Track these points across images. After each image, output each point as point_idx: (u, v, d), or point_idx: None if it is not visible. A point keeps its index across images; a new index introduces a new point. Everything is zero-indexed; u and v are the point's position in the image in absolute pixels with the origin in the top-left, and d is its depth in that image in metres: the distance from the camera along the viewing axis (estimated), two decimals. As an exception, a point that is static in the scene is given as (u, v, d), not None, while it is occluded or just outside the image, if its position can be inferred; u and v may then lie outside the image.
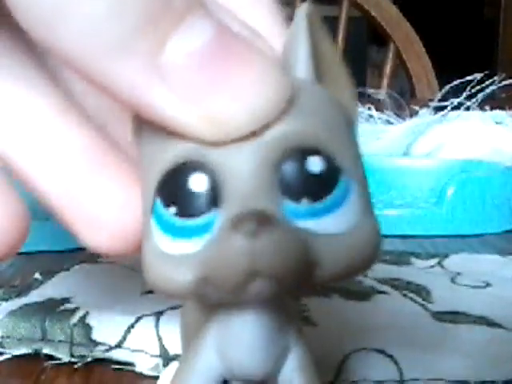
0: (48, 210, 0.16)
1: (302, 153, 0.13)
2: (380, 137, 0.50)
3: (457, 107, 0.51)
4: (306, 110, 0.13)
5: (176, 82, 0.12)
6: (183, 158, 0.13)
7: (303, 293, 0.16)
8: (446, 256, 0.36)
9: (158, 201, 0.13)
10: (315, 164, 0.13)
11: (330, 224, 0.13)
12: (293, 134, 0.13)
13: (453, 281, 0.31)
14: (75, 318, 0.25)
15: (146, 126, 0.14)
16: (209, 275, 0.12)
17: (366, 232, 0.13)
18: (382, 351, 0.23)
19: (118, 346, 0.24)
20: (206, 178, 0.13)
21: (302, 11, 0.14)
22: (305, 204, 0.13)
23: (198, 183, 0.13)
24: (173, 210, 0.13)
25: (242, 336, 0.14)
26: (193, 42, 0.12)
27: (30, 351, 0.25)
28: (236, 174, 0.13)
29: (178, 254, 0.13)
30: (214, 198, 0.13)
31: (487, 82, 0.52)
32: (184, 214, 0.13)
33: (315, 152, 0.13)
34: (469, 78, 0.52)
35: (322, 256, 0.13)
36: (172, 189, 0.13)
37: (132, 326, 0.24)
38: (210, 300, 0.13)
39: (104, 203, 0.15)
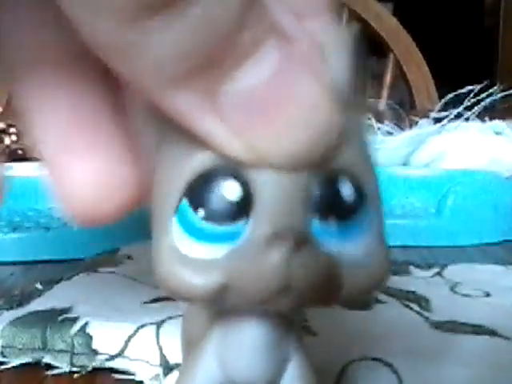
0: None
1: (335, 175, 0.13)
2: (380, 147, 0.50)
3: (456, 118, 0.51)
4: (345, 132, 0.13)
5: (228, 115, 0.12)
6: (219, 162, 0.13)
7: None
8: (446, 265, 0.36)
9: (186, 202, 0.13)
10: (347, 188, 0.13)
11: (352, 247, 0.13)
12: (330, 159, 0.13)
13: (452, 290, 0.31)
14: (76, 328, 0.25)
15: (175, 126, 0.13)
16: (232, 283, 0.13)
17: (381, 257, 0.14)
18: (381, 360, 0.23)
19: (119, 355, 0.24)
20: (238, 186, 0.13)
21: (344, 34, 0.14)
22: (333, 225, 0.13)
23: (230, 190, 0.13)
24: (201, 213, 0.13)
25: (242, 345, 0.14)
26: (251, 81, 0.12)
27: (30, 360, 0.25)
28: (269, 187, 0.13)
29: (199, 257, 0.13)
30: (245, 207, 0.13)
31: (486, 93, 0.52)
32: (212, 219, 0.13)
33: (347, 175, 0.13)
34: (468, 88, 0.52)
35: (345, 278, 0.13)
36: (203, 192, 0.13)
37: (132, 335, 0.24)
38: (224, 306, 0.13)
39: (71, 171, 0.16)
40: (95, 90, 0.16)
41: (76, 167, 0.16)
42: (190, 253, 0.13)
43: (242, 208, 0.13)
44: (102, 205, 0.16)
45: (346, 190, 0.13)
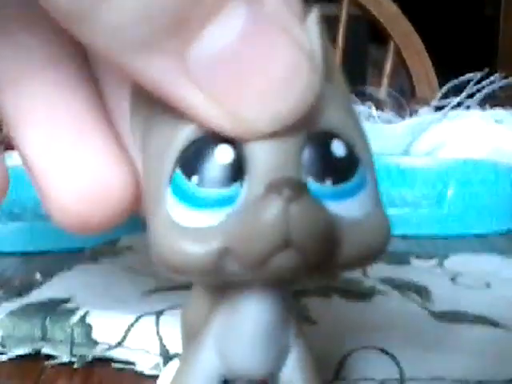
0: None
1: (325, 136, 0.13)
2: (380, 136, 0.50)
3: (457, 106, 0.51)
4: (328, 96, 0.13)
5: (202, 79, 0.12)
6: (208, 128, 0.13)
7: (315, 279, 0.16)
8: (446, 256, 0.36)
9: (179, 171, 0.13)
10: (339, 148, 0.13)
11: (350, 208, 0.13)
12: (317, 118, 0.13)
13: (453, 281, 0.31)
14: (75, 318, 0.25)
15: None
16: (232, 246, 0.12)
17: (380, 219, 0.14)
18: (382, 350, 0.23)
19: (119, 345, 0.24)
20: (231, 149, 0.13)
21: (313, 16, 0.14)
22: (328, 185, 0.13)
23: (223, 154, 0.13)
24: (195, 180, 0.13)
25: (241, 335, 0.14)
26: (221, 40, 0.12)
27: (30, 351, 0.25)
28: (261, 150, 0.13)
29: (196, 226, 0.13)
30: (238, 170, 0.13)
31: (487, 81, 0.52)
32: (207, 185, 0.13)
33: (338, 137, 0.13)
34: (469, 76, 0.52)
35: (345, 237, 0.13)
36: (196, 158, 0.13)
37: (132, 325, 0.24)
38: (223, 277, 0.13)
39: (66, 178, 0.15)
40: (77, 90, 0.15)
41: (59, 175, 0.15)
42: (187, 222, 0.13)
43: (236, 171, 0.13)
44: (89, 218, 0.15)
45: (339, 151, 0.13)
